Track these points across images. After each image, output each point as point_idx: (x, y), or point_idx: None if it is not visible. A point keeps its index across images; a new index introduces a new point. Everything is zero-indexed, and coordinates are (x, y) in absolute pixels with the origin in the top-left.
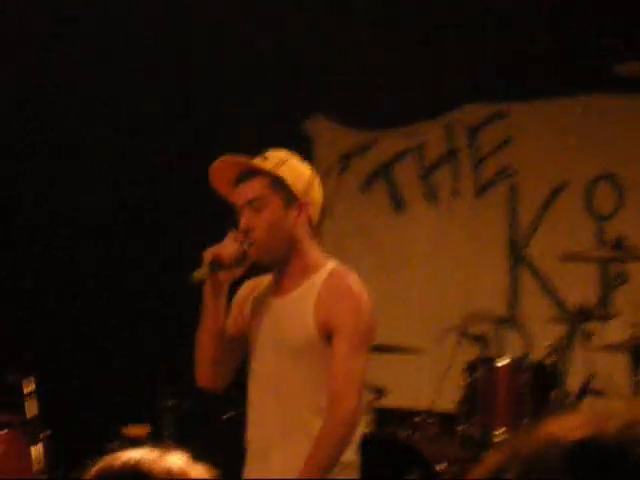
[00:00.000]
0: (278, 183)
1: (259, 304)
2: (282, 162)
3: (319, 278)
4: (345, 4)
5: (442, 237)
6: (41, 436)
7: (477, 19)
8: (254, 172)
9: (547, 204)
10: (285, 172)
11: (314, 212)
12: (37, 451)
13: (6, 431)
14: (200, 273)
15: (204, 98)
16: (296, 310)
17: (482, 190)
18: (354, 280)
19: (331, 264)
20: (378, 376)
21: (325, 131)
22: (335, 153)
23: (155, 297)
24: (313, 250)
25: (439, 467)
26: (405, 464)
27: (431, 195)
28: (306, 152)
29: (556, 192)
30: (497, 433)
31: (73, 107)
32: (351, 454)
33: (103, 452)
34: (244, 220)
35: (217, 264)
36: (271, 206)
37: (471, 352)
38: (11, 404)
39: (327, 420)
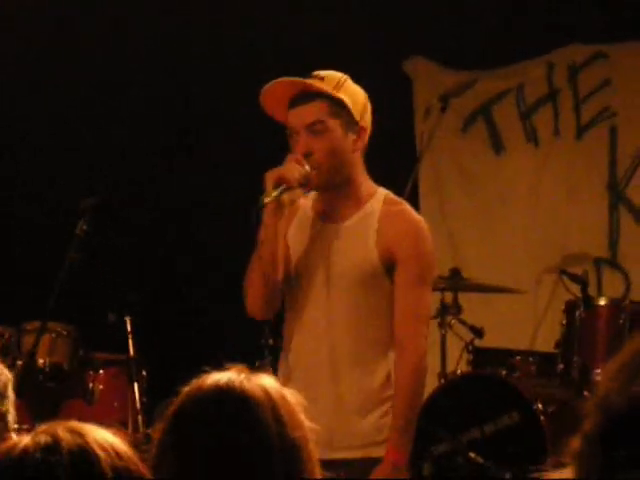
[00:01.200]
0: (338, 106)
1: (307, 230)
2: (340, 84)
3: (375, 206)
4: None
5: (542, 178)
6: (140, 375)
7: None
8: (311, 94)
9: None
10: (344, 95)
11: (366, 137)
12: (136, 390)
13: (107, 369)
14: (269, 196)
15: (300, 35)
16: (356, 237)
17: (582, 131)
18: (411, 209)
19: (382, 191)
20: (477, 316)
21: (425, 71)
22: (435, 93)
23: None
24: (365, 176)
25: (537, 407)
26: (504, 403)
27: (531, 136)
28: (406, 91)
29: None
30: (596, 373)
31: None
32: None
33: None
34: (303, 143)
35: (283, 186)
36: (331, 129)
37: (570, 292)
38: (113, 342)
39: (401, 368)
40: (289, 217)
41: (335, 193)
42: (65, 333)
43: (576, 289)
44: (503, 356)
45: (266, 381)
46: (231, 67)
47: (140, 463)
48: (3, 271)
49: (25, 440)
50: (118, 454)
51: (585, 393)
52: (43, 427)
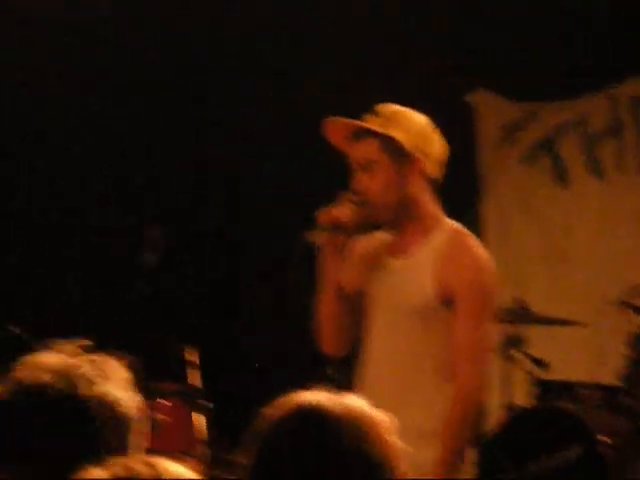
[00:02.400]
0: (389, 143)
1: (376, 263)
2: (392, 117)
3: (438, 238)
4: None
5: (605, 210)
6: (205, 406)
7: None
8: (364, 133)
9: None
10: (395, 129)
11: (432, 166)
12: (199, 421)
13: (170, 399)
14: (317, 236)
15: (364, 66)
16: (416, 272)
17: None
18: (476, 243)
19: (449, 223)
20: (541, 349)
21: (488, 103)
22: (497, 125)
23: None
24: (431, 207)
25: (602, 440)
26: (568, 436)
27: (595, 169)
28: (469, 124)
29: None
30: None
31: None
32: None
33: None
34: (357, 182)
35: (335, 226)
36: (383, 168)
37: (633, 325)
38: (173, 373)
39: (454, 401)
40: (366, 246)
41: (399, 227)
42: (127, 362)
43: (639, 321)
44: (568, 389)
45: (352, 401)
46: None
47: None
48: (61, 304)
49: (100, 473)
50: None
51: None
52: (116, 460)
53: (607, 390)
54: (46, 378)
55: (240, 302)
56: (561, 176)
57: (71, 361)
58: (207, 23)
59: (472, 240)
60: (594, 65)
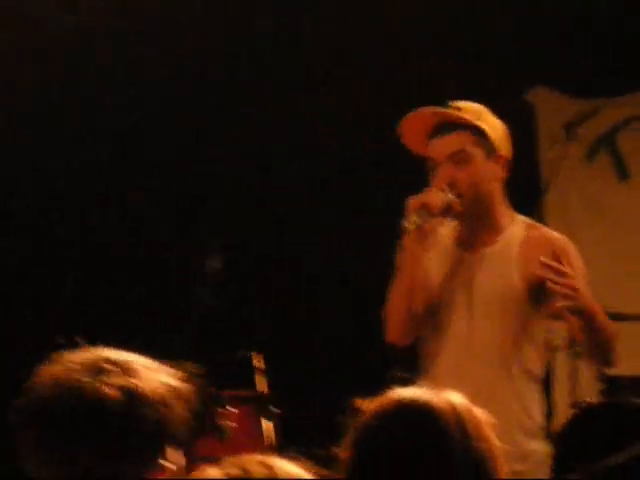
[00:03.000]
0: (480, 135)
1: (446, 258)
2: (480, 114)
3: (516, 232)
4: None
5: None
6: (272, 412)
7: None
8: (453, 125)
9: None
10: (484, 124)
11: (506, 164)
12: (268, 427)
13: (238, 406)
14: (412, 222)
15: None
16: (498, 265)
17: None
18: (551, 230)
19: (521, 217)
20: None
21: (548, 100)
22: (558, 122)
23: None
24: (506, 204)
25: None
26: (636, 432)
27: None
28: (529, 122)
29: None
30: None
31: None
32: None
33: (333, 427)
34: (447, 173)
35: (426, 212)
36: (474, 159)
37: None
38: (243, 380)
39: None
40: (430, 245)
41: (475, 221)
42: (194, 370)
43: None
44: (636, 384)
45: (453, 396)
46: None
47: None
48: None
49: (214, 472)
50: None
51: None
52: (229, 460)
53: None
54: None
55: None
56: (622, 171)
57: None
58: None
59: (549, 230)
60: None
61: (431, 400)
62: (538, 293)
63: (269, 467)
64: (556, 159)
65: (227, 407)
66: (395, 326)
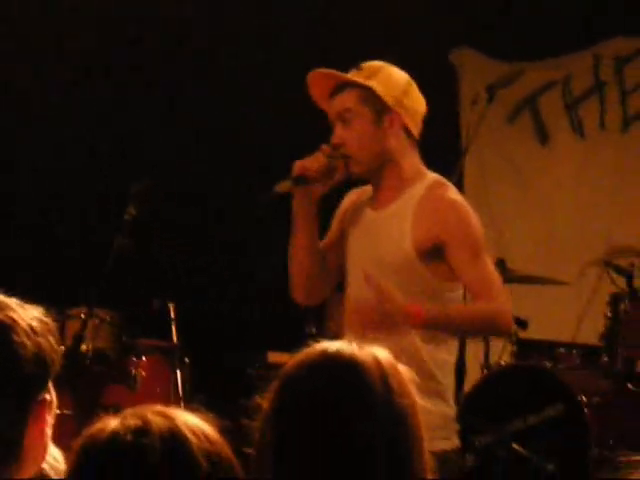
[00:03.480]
0: (368, 94)
1: (357, 216)
2: (375, 72)
3: (417, 191)
4: None
5: (587, 169)
6: (183, 362)
7: None
8: (346, 84)
9: None
10: (376, 82)
11: (412, 121)
12: (180, 377)
13: (150, 355)
14: (282, 186)
15: (343, 27)
16: (393, 224)
17: (628, 123)
18: (454, 191)
19: (431, 176)
20: (521, 308)
21: (471, 62)
22: (481, 84)
23: None
24: (411, 161)
25: (581, 399)
26: (547, 395)
27: (577, 127)
28: (452, 82)
29: None
30: None
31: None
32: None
33: (244, 379)
34: (335, 134)
35: (302, 177)
36: (360, 118)
37: (614, 285)
38: (156, 329)
39: (482, 304)
40: (354, 200)
41: (379, 180)
42: (109, 319)
43: (621, 281)
44: (547, 348)
45: (378, 351)
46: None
47: (230, 450)
48: (48, 255)
49: (113, 423)
50: (208, 439)
51: (629, 386)
52: (130, 410)
53: (587, 349)
54: None
55: (220, 260)
56: (542, 134)
57: None
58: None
59: (450, 188)
60: (579, 24)
61: (356, 353)
62: (431, 253)
63: (170, 418)
64: (476, 120)
65: (139, 355)
66: (297, 286)
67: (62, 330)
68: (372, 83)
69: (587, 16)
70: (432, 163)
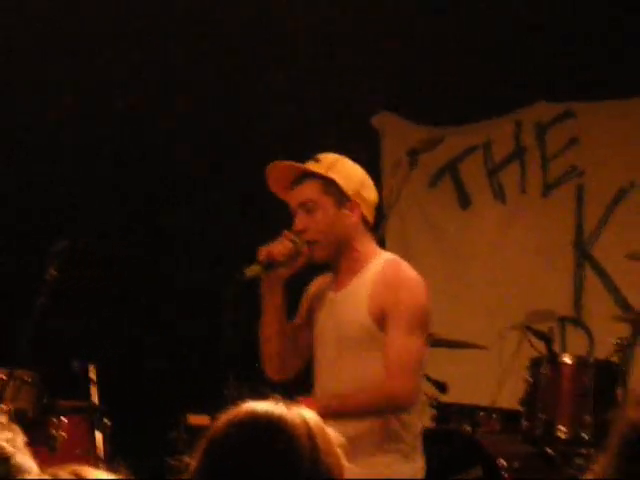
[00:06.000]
0: (329, 185)
1: (320, 299)
2: (333, 164)
3: (372, 270)
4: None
5: (508, 234)
6: (103, 423)
7: (551, 20)
8: (306, 175)
9: (614, 204)
10: (336, 174)
11: (368, 210)
12: (99, 438)
13: (70, 416)
14: (252, 271)
15: (272, 91)
16: (351, 302)
17: (549, 189)
18: (407, 267)
19: (385, 255)
20: (440, 371)
21: (393, 126)
22: (402, 149)
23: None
24: (367, 245)
25: (501, 462)
26: (467, 459)
27: (498, 192)
28: (374, 147)
29: (623, 192)
30: (560, 430)
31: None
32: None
33: (164, 441)
34: (298, 221)
35: (269, 262)
36: (323, 208)
37: (534, 350)
38: (75, 391)
39: (375, 387)
40: (319, 285)
41: (338, 264)
42: (29, 380)
43: (541, 346)
44: (467, 412)
45: (305, 412)
46: None
47: None
48: None
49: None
50: None
51: (548, 450)
52: (51, 469)
53: (506, 414)
54: None
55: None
56: (464, 199)
57: None
58: None
59: (404, 264)
60: (500, 89)
61: (284, 413)
62: (384, 320)
63: (79, 475)
64: (398, 184)
65: (59, 416)
66: (269, 363)
67: None
68: (334, 175)
69: (509, 81)
70: None
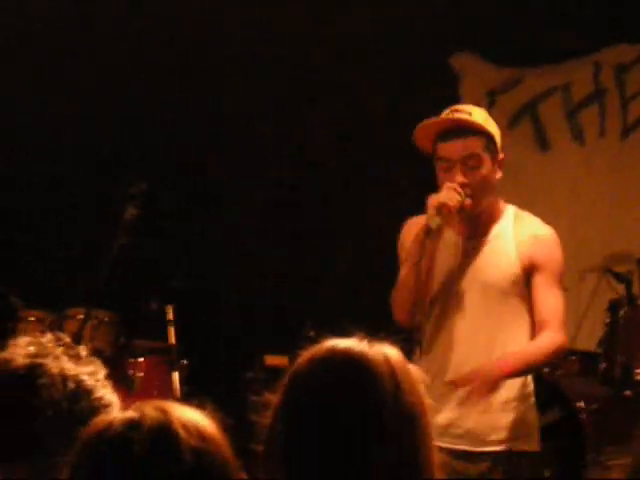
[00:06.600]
0: (490, 141)
1: (449, 248)
2: (486, 119)
3: (508, 219)
4: None
5: (586, 176)
6: (180, 363)
7: None
8: (465, 129)
9: None
10: (493, 130)
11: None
12: (176, 378)
13: (148, 357)
14: (435, 222)
15: (348, 31)
16: (498, 252)
17: (628, 131)
18: (537, 219)
19: (510, 206)
20: None
21: (472, 67)
22: (481, 89)
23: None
24: (498, 196)
25: (579, 404)
26: (545, 401)
27: (577, 134)
28: (452, 87)
29: None
30: (638, 372)
31: None
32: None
33: (241, 381)
34: (461, 175)
35: (444, 212)
36: (485, 164)
37: (613, 291)
38: (153, 331)
39: (546, 338)
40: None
41: (477, 214)
42: (107, 320)
43: (620, 288)
44: None
45: (388, 350)
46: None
47: (227, 448)
48: (46, 256)
49: (114, 415)
50: (201, 435)
51: (627, 392)
52: (137, 404)
53: (585, 356)
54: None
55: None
56: (542, 141)
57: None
58: None
59: (536, 219)
60: (579, 30)
61: (365, 351)
62: (530, 273)
63: (165, 412)
64: None
65: (137, 357)
66: (404, 311)
67: (60, 330)
68: (492, 131)
69: (588, 22)
70: (431, 169)
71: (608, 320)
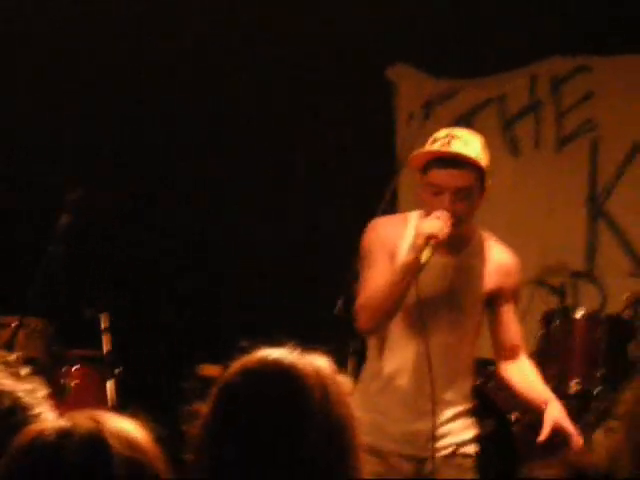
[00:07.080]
0: (480, 174)
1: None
2: (482, 149)
3: (479, 243)
4: None
5: (522, 189)
6: (115, 372)
7: None
8: (460, 161)
9: (628, 159)
10: (484, 164)
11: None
12: (110, 387)
13: (81, 365)
14: (426, 257)
15: (286, 43)
16: (468, 272)
17: (563, 143)
18: (501, 249)
19: (479, 228)
20: None
21: (408, 78)
22: (418, 101)
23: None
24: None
25: (512, 416)
26: (478, 413)
27: (512, 146)
28: (388, 99)
29: (637, 147)
30: (572, 384)
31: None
32: None
33: (176, 390)
34: (451, 205)
35: (433, 243)
36: (474, 195)
37: (547, 304)
38: (87, 339)
39: (530, 366)
40: (397, 233)
41: (455, 234)
42: (40, 328)
43: (553, 301)
44: (479, 365)
45: (319, 361)
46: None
47: (158, 458)
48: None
49: (47, 424)
50: (133, 445)
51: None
52: (70, 413)
53: None
54: None
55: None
56: None
57: None
58: None
59: (502, 245)
60: (516, 42)
61: (295, 362)
62: (493, 296)
63: (97, 422)
64: (412, 137)
65: (70, 365)
66: (376, 320)
67: None
68: (485, 164)
69: (524, 34)
70: (367, 178)
71: (542, 332)
